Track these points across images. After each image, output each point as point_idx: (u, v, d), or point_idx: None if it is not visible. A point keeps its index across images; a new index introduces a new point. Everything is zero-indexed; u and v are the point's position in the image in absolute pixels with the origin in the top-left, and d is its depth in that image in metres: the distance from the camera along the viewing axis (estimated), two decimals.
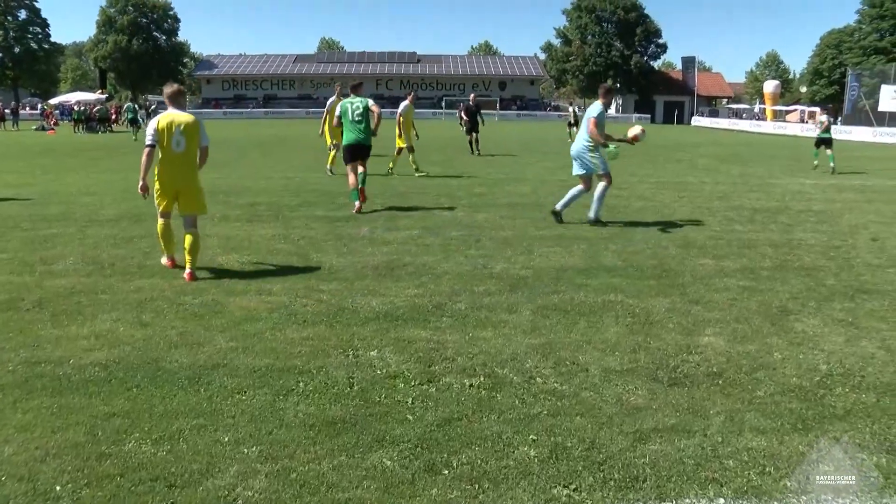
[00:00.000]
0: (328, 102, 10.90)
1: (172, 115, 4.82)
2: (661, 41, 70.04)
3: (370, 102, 7.83)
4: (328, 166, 11.32)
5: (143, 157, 4.79)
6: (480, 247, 6.16)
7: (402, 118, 11.52)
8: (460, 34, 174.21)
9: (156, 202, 4.99)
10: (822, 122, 14.38)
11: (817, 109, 31.89)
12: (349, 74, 67.14)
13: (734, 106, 76.78)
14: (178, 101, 4.89)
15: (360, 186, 7.73)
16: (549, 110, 68.98)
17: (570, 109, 24.80)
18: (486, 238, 6.54)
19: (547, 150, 20.31)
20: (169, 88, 4.86)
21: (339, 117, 7.80)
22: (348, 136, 7.74)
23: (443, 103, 60.31)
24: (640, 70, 65.11)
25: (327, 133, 11.35)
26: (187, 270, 4.94)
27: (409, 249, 6.03)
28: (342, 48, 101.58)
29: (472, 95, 12.22)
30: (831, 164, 13.75)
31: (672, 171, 13.63)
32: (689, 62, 66.19)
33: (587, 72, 68.76)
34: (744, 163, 16.59)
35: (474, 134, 17.62)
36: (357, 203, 7.64)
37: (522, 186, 10.66)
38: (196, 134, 4.84)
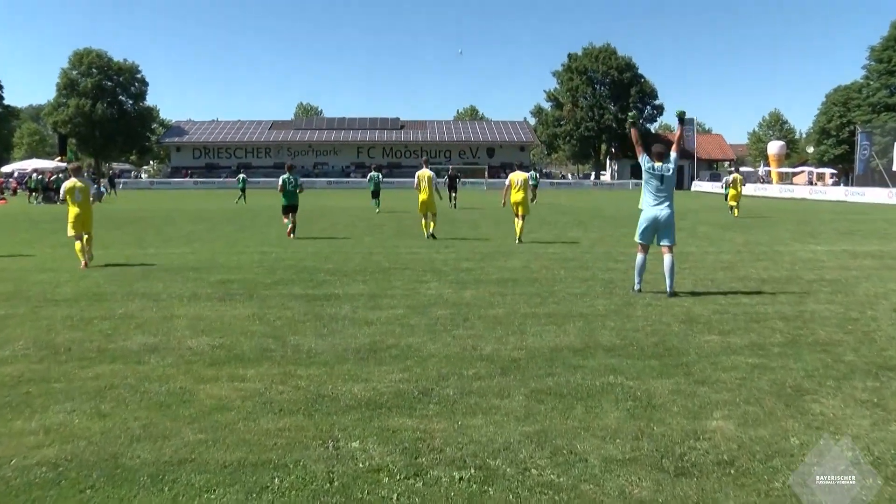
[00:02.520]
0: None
1: (74, 181, 10.31)
2: (656, 102, 73.02)
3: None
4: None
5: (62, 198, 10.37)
6: (469, 326, 6.26)
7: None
8: (445, 98, 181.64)
9: (72, 231, 10.11)
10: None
11: (828, 171, 32.95)
12: (328, 142, 69.49)
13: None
14: (78, 172, 10.46)
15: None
16: (540, 177, 71.08)
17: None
18: (474, 317, 6.65)
19: (539, 220, 20.80)
20: (72, 165, 10.65)
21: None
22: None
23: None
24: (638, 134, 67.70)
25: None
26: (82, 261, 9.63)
27: (392, 330, 6.11)
28: (321, 114, 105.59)
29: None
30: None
31: None
32: (688, 122, 68.92)
33: (579, 136, 71.34)
34: (748, 229, 17.11)
35: (453, 192, 26.61)
36: None
37: (513, 260, 10.87)
38: (87, 191, 10.38)
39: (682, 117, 7.88)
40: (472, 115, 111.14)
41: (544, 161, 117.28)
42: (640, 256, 7.82)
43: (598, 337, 5.87)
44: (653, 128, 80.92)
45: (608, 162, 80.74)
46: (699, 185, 60.33)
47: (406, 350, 5.47)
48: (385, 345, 5.62)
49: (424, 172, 14.21)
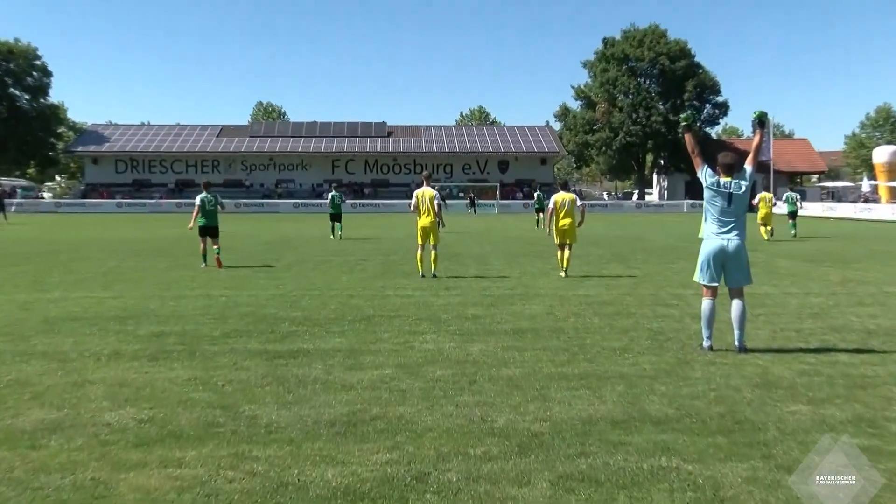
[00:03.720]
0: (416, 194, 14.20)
1: None
2: (719, 99, 73.59)
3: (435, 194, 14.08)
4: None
5: None
6: (476, 391, 6.28)
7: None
8: (445, 98, 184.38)
9: None
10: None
11: None
12: (294, 152, 70.31)
13: (830, 184, 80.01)
14: None
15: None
16: None
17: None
18: (483, 379, 6.68)
19: None
20: None
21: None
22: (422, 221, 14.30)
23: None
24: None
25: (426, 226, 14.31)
26: None
27: (378, 397, 6.13)
28: (285, 117, 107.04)
29: (424, 175, 13.74)
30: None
31: None
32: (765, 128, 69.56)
33: (618, 144, 71.87)
34: (847, 264, 17.28)
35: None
36: None
37: (533, 305, 10.96)
38: None
39: (762, 119, 7.98)
40: (481, 118, 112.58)
41: (572, 177, 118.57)
42: (706, 303, 7.76)
43: (644, 405, 5.88)
44: (713, 132, 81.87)
45: (655, 177, 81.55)
46: (778, 207, 60.57)
47: (395, 422, 5.48)
48: (368, 416, 5.64)
49: (426, 191, 14.27)
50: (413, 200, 14.22)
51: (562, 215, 14.50)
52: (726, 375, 6.77)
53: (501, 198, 64.31)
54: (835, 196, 66.26)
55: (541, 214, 36.50)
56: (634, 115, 71.36)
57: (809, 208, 57.53)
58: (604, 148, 73.36)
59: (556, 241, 14.70)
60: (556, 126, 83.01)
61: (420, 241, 14.37)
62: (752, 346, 7.86)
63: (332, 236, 27.70)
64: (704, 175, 7.72)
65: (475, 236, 29.62)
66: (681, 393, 6.20)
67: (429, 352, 7.77)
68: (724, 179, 7.66)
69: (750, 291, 12.20)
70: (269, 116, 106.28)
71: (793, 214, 30.34)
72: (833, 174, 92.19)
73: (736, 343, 7.72)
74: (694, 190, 69.77)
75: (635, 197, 79.30)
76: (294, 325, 9.31)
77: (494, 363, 7.26)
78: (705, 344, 7.80)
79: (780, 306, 10.82)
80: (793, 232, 29.10)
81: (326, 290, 12.54)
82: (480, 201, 60.93)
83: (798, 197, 30.79)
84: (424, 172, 15.12)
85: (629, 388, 6.34)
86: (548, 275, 15.07)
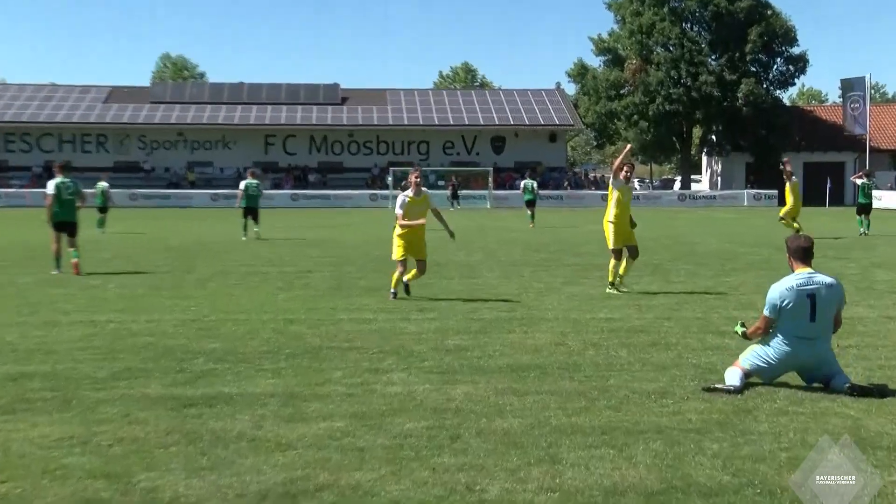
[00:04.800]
0: (400, 199, 14.41)
1: None
2: (795, 51, 74.11)
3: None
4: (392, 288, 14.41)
5: None
6: (461, 450, 6.29)
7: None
8: (419, 54, 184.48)
9: None
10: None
11: None
12: (214, 126, 70.13)
13: None
14: None
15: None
16: (589, 186, 72.13)
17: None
18: (470, 433, 6.70)
19: (582, 259, 21.00)
20: None
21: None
22: None
23: (389, 177, 62.65)
24: (757, 107, 69.41)
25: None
26: None
27: (326, 459, 6.13)
28: (202, 78, 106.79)
29: (412, 176, 13.82)
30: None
31: None
32: (854, 87, 69.68)
33: (654, 115, 72.31)
34: None
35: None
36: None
37: (537, 332, 11.04)
38: None
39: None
40: (467, 80, 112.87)
41: (590, 158, 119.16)
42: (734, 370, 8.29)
43: (689, 469, 5.91)
44: (786, 97, 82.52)
45: (705, 159, 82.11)
46: (875, 197, 61.05)
47: (350, 494, 5.48)
48: (312, 485, 5.63)
49: (420, 195, 14.28)
50: (399, 201, 14.33)
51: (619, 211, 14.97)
52: (802, 430, 6.81)
53: (496, 186, 64.49)
54: None
55: (533, 210, 37.20)
56: (677, 75, 71.68)
57: (886, 199, 58.22)
58: (635, 118, 73.54)
59: (613, 245, 15.02)
60: (571, 90, 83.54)
61: (399, 255, 14.23)
62: (835, 387, 7.94)
63: (243, 237, 28.21)
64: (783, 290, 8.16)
65: (460, 239, 29.49)
66: (739, 453, 6.23)
67: (396, 396, 7.77)
68: (801, 273, 8.22)
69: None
70: (178, 76, 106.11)
71: (865, 208, 31.48)
72: None
73: (837, 383, 7.95)
74: (757, 174, 70.31)
75: (678, 185, 79.80)
76: (211, 361, 9.28)
77: (485, 412, 7.27)
78: (733, 383, 8.10)
79: (878, 335, 10.92)
80: (862, 230, 30.33)
81: (256, 314, 12.50)
82: (467, 191, 61.13)
83: (873, 184, 31.99)
84: (414, 168, 15.07)
85: (668, 447, 6.36)
86: (558, 291, 15.14)
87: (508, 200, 61.54)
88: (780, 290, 8.09)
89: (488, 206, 60.50)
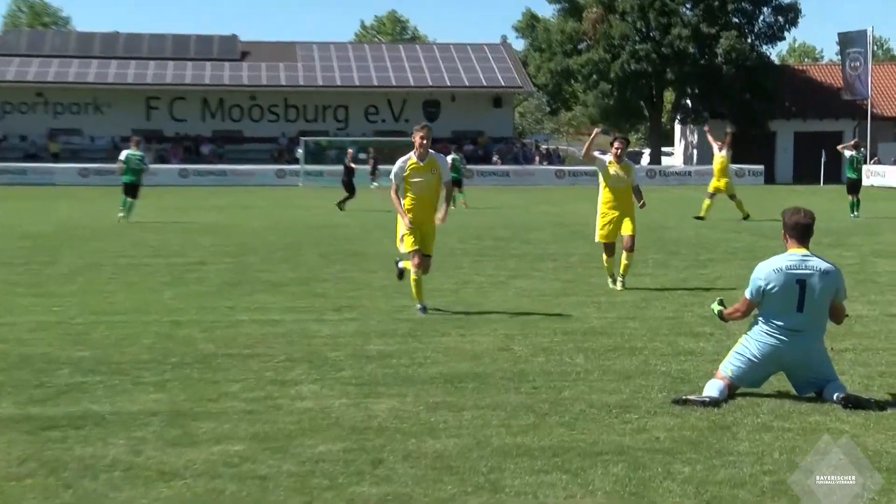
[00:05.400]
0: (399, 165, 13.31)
1: None
2: (784, 0, 74.93)
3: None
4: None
5: None
6: (384, 477, 6.28)
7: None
8: (337, 4, 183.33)
9: None
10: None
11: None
12: (83, 85, 68.91)
13: None
14: None
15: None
16: (541, 160, 72.41)
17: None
18: (396, 457, 6.70)
19: (532, 248, 21.08)
20: None
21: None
22: None
23: (299, 149, 62.33)
24: (740, 66, 70.09)
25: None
26: None
27: (219, 489, 6.09)
28: (68, 26, 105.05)
29: (349, 152, 13.54)
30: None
31: None
32: (853, 42, 70.47)
33: (618, 75, 72.64)
34: None
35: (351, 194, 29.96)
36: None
37: (478, 335, 11.10)
38: None
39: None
40: (394, 32, 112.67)
41: (542, 127, 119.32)
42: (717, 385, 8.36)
43: (656, 498, 5.97)
44: (775, 53, 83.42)
45: (678, 128, 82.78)
46: (881, 173, 62.69)
47: None
48: None
49: (426, 160, 13.03)
50: (396, 169, 13.03)
51: (607, 189, 15.11)
52: (789, 449, 6.89)
53: None
54: None
55: (460, 190, 37.36)
56: (645, 27, 72.28)
57: (890, 176, 59.43)
58: (595, 79, 73.86)
59: (602, 238, 15.23)
60: (519, 45, 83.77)
61: (411, 245, 12.75)
62: (829, 398, 8.08)
63: (121, 214, 28.27)
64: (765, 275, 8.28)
65: (385, 223, 29.45)
66: (715, 477, 6.30)
67: (306, 413, 7.75)
68: (794, 253, 8.28)
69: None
70: (36, 22, 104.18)
71: (855, 186, 32.18)
72: None
73: (830, 392, 8.07)
74: (740, 148, 71.03)
75: (646, 159, 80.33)
76: (78, 373, 9.16)
77: (413, 431, 7.28)
78: (712, 394, 8.21)
79: (879, 336, 11.11)
80: (854, 214, 31.05)
81: (136, 315, 12.39)
82: (390, 166, 60.88)
83: (862, 157, 33.02)
84: (420, 127, 13.36)
85: (632, 470, 6.41)
86: (503, 286, 15.20)
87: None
88: (766, 270, 8.19)
89: None
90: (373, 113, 72.57)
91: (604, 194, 15.17)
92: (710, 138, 29.93)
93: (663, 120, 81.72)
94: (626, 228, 15.00)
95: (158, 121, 70.14)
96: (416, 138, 13.13)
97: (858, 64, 67.38)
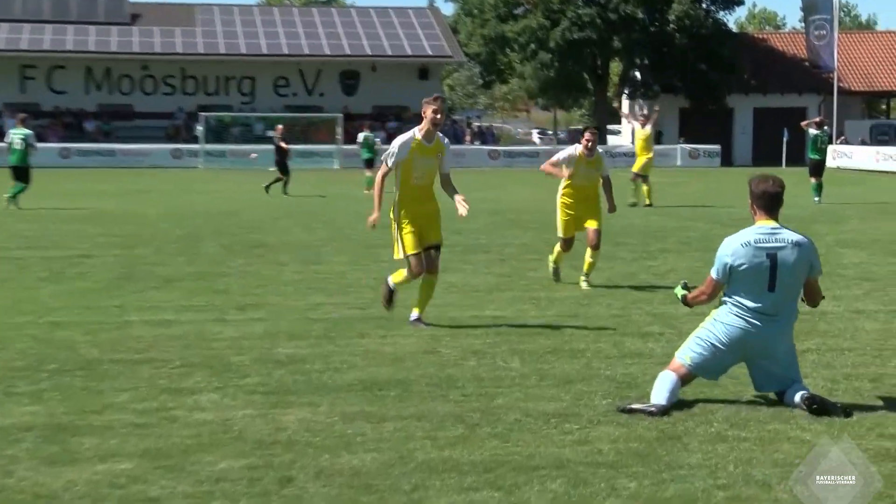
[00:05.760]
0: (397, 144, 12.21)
1: None
2: None
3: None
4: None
5: None
6: (293, 497, 6.26)
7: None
8: None
9: None
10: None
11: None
12: None
13: None
14: None
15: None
16: (472, 139, 72.49)
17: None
18: (306, 474, 6.67)
19: (463, 238, 21.21)
20: None
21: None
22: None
23: (199, 126, 61.85)
24: (694, 35, 70.66)
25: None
26: None
27: None
28: None
29: (278, 127, 13.28)
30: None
31: None
32: (818, 8, 71.42)
33: (559, 42, 72.73)
34: None
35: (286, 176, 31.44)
36: None
37: (401, 336, 11.18)
38: None
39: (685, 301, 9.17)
40: None
41: (475, 102, 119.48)
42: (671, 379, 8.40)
43: None
44: (732, 20, 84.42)
45: (626, 104, 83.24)
46: (848, 154, 63.90)
47: None
48: None
49: (433, 141, 12.18)
50: (393, 157, 12.02)
51: (567, 180, 14.94)
52: (745, 461, 6.96)
53: (347, 140, 63.98)
54: None
55: (371, 172, 37.52)
56: None
57: (858, 157, 60.36)
58: (533, 48, 74.06)
59: (563, 233, 15.06)
60: (448, 9, 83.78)
61: (416, 247, 11.85)
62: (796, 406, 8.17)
63: (9, 200, 27.92)
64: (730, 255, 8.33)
65: (296, 210, 29.79)
66: (664, 494, 6.34)
67: (205, 426, 7.70)
68: (763, 226, 8.31)
69: (798, 309, 12.66)
70: None
71: (818, 168, 32.85)
72: None
73: (793, 394, 8.16)
74: (694, 125, 71.68)
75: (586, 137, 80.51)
76: None
77: (328, 445, 7.26)
78: (661, 402, 8.25)
79: (845, 335, 11.31)
80: (815, 198, 31.84)
81: (8, 316, 12.25)
82: (308, 146, 60.66)
83: (826, 136, 33.76)
84: (431, 101, 12.16)
85: (572, 487, 6.43)
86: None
87: (359, 158, 61.32)
88: (733, 245, 8.22)
89: (336, 167, 60.24)
90: (283, 85, 72.20)
91: (566, 188, 15.10)
92: (630, 119, 30.45)
93: (609, 94, 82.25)
94: (592, 222, 15.01)
95: (35, 93, 69.05)
96: (428, 112, 12.02)
97: (824, 32, 68.29)
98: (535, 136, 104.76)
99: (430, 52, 72.74)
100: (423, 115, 12.15)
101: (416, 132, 12.11)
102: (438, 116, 12.02)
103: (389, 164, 12.03)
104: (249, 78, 71.67)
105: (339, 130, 63.76)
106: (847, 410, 8.05)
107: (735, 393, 8.51)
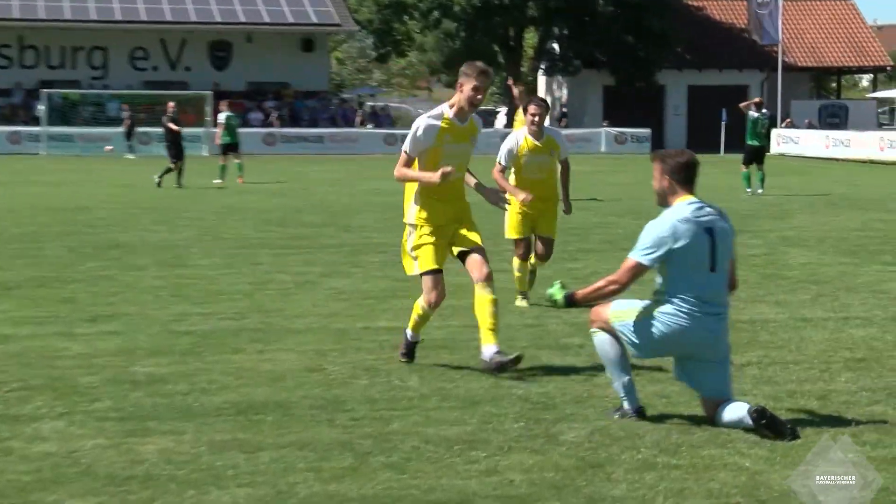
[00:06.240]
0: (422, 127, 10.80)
1: None
2: None
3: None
4: None
5: None
6: None
7: None
8: None
9: None
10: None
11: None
12: None
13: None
14: None
15: None
16: (365, 122, 72.36)
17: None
18: None
19: (353, 236, 21.14)
20: None
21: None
22: None
23: (39, 105, 61.19)
24: (620, 3, 71.07)
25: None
26: None
27: None
28: None
29: (169, 105, 13.04)
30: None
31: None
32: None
33: (464, 9, 72.74)
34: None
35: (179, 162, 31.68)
36: None
37: (281, 351, 11.15)
38: None
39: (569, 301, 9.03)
40: None
41: (369, 78, 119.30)
42: (601, 337, 8.58)
43: None
44: None
45: (543, 81, 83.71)
46: (789, 138, 65.31)
47: None
48: None
49: (466, 121, 10.93)
50: (415, 144, 10.76)
51: (519, 174, 14.26)
52: (677, 491, 7.03)
53: (215, 124, 63.61)
54: None
55: (231, 157, 37.39)
56: None
57: (866, 140, 61.02)
58: (436, 16, 74.30)
59: (514, 232, 14.29)
60: None
61: (434, 263, 10.67)
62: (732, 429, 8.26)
63: None
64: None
65: (158, 205, 29.60)
66: None
67: (47, 459, 7.60)
68: (689, 199, 8.36)
69: (736, 318, 12.83)
70: None
71: (757, 155, 33.84)
72: None
73: (732, 412, 8.22)
74: (620, 106, 72.17)
75: (501, 120, 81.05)
76: None
77: (194, 479, 7.22)
78: (627, 406, 8.38)
79: (789, 346, 11.49)
80: (752, 188, 32.92)
81: None
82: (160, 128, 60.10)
83: (766, 118, 35.19)
84: (471, 74, 10.74)
85: None
86: (314, 286, 15.21)
87: (242, 145, 60.96)
88: (669, 223, 8.18)
89: (205, 153, 59.76)
90: (141, 58, 71.71)
91: (516, 184, 14.06)
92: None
93: (524, 69, 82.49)
94: (544, 227, 14.51)
95: None
96: (467, 88, 10.66)
97: (768, 1, 68.93)
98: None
99: (314, 20, 72.56)
100: (458, 89, 10.80)
101: (446, 109, 10.86)
102: (479, 97, 10.76)
103: (410, 151, 10.80)
104: (101, 48, 71.03)
105: (209, 111, 63.28)
106: (794, 431, 8.10)
107: (665, 413, 8.59)
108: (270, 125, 66.03)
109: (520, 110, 30.30)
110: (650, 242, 8.19)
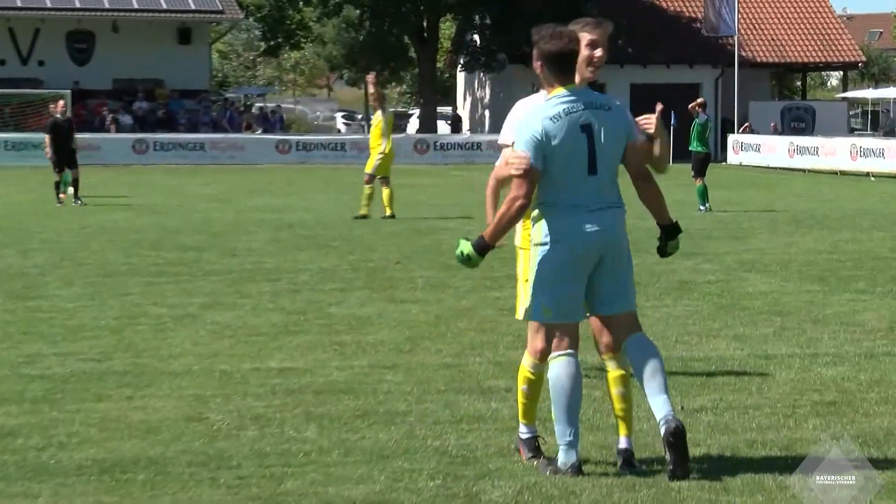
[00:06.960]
0: None
1: None
2: None
3: None
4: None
5: None
6: None
7: None
8: None
9: None
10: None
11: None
12: None
13: (868, 93, 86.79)
14: None
15: None
16: (253, 126, 72.12)
17: None
18: None
19: (240, 262, 21.25)
20: None
21: None
22: None
23: None
24: None
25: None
26: None
27: None
28: None
29: (59, 103, 13.08)
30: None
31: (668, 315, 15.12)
32: None
33: None
34: None
35: (70, 170, 32.61)
36: None
37: (151, 399, 11.11)
38: None
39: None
40: None
41: (257, 75, 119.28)
42: (561, 365, 8.42)
43: None
44: None
45: (462, 78, 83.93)
46: (748, 145, 65.97)
47: None
48: None
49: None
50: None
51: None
52: None
53: (79, 126, 63.12)
54: (879, 119, 71.59)
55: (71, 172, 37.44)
56: None
57: (836, 148, 61.44)
58: (336, 2, 74.50)
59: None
60: None
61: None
62: (689, 480, 8.29)
63: None
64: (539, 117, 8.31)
65: (4, 224, 29.41)
66: None
67: None
68: (563, 92, 8.35)
69: (689, 355, 12.95)
70: None
71: (703, 165, 35.05)
72: (877, 68, 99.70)
73: (661, 422, 8.22)
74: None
75: (414, 125, 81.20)
76: None
77: None
78: (564, 459, 8.35)
79: (747, 388, 11.59)
80: (701, 206, 33.46)
81: None
82: (20, 135, 59.79)
83: (709, 123, 36.38)
84: (582, 29, 9.23)
85: None
86: (194, 321, 15.19)
87: (102, 151, 60.81)
88: (536, 119, 8.20)
89: (78, 151, 59.32)
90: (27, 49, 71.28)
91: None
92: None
93: (439, 65, 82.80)
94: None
95: None
96: (584, 48, 8.91)
97: None
98: (340, 122, 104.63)
99: (192, 6, 72.46)
100: (538, 70, 9.08)
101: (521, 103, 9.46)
102: (598, 55, 9.04)
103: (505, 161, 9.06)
104: None
105: (62, 113, 62.71)
106: (683, 475, 8.11)
107: (606, 466, 8.62)
108: (108, 130, 65.36)
109: (378, 112, 30.50)
110: (524, 139, 8.16)
